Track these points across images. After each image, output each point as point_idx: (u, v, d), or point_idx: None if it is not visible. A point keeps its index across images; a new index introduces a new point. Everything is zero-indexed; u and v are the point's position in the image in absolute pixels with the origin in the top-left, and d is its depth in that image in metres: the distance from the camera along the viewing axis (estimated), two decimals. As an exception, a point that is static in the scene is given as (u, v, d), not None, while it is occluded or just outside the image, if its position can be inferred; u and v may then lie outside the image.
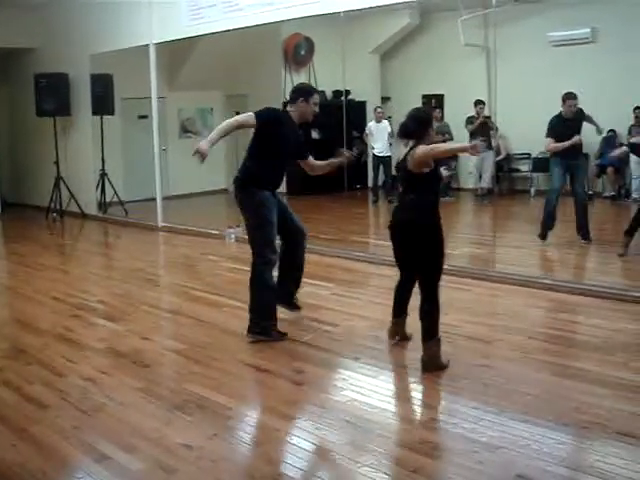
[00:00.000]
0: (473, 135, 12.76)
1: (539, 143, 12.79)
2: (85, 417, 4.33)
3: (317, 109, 5.77)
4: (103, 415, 4.37)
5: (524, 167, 13.67)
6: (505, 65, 12.25)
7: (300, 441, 3.87)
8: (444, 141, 13.35)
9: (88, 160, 13.35)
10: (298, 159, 5.95)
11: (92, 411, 4.41)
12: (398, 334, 5.40)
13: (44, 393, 4.72)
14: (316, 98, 5.78)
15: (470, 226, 12.03)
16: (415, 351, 5.17)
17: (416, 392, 4.55)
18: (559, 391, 4.52)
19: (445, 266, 7.42)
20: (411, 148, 4.90)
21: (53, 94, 13.07)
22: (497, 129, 12.65)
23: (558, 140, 8.77)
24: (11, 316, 7.06)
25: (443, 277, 7.09)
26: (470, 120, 12.71)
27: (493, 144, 12.91)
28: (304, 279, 6.12)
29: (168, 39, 11.38)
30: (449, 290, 7.10)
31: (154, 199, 12.00)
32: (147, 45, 11.57)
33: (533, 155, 13.35)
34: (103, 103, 12.97)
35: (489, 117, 12.25)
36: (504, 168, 13.59)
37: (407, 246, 5.05)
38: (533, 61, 12.45)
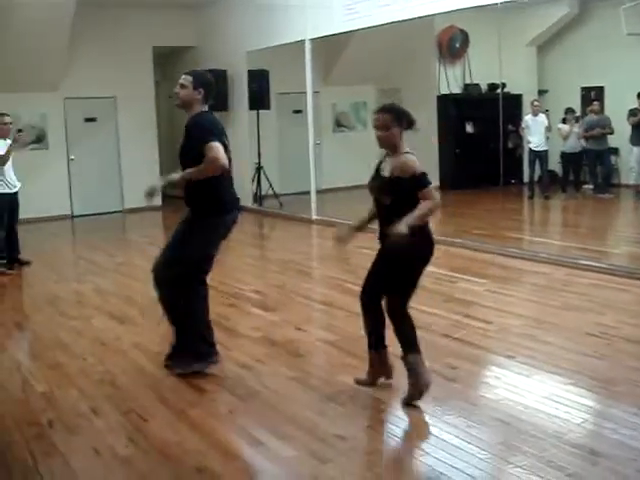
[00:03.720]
0: (635, 128, 12.25)
1: None
2: (240, 403, 4.48)
3: (176, 96, 4.95)
4: (257, 402, 4.50)
5: (691, 162, 12.96)
6: (673, 55, 11.68)
7: (451, 438, 3.84)
8: (603, 135, 12.92)
9: (245, 154, 13.72)
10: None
11: (247, 397, 4.55)
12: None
13: (201, 378, 4.91)
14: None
15: (631, 224, 11.52)
16: (573, 352, 5.05)
17: (571, 394, 4.41)
18: None
19: (602, 265, 7.22)
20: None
21: (212, 90, 13.51)
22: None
23: None
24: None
25: (601, 276, 6.89)
26: (633, 112, 12.17)
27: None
28: (457, 274, 6.05)
29: (323, 34, 11.52)
30: (607, 290, 6.88)
31: (308, 192, 12.18)
32: (302, 41, 11.76)
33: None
34: (259, 98, 13.29)
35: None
36: (668, 164, 12.94)
37: None
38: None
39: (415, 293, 4.37)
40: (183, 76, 4.98)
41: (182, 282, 4.91)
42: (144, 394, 4.68)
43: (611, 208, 12.70)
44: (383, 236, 4.37)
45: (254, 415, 4.29)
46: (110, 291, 7.74)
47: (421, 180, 4.13)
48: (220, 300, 7.09)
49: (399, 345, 4.41)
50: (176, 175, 4.93)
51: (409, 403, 4.29)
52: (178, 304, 4.94)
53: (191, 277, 4.97)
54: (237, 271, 8.70)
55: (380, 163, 4.40)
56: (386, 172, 4.27)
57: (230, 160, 4.82)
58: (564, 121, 13.31)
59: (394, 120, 4.22)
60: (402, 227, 3.94)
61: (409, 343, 4.37)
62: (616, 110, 12.75)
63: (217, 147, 4.67)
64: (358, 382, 4.64)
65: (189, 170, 4.79)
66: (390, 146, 4.28)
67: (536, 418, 4.09)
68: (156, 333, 6.12)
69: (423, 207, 4.09)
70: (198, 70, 5.47)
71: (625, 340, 5.37)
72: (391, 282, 4.36)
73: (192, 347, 5.00)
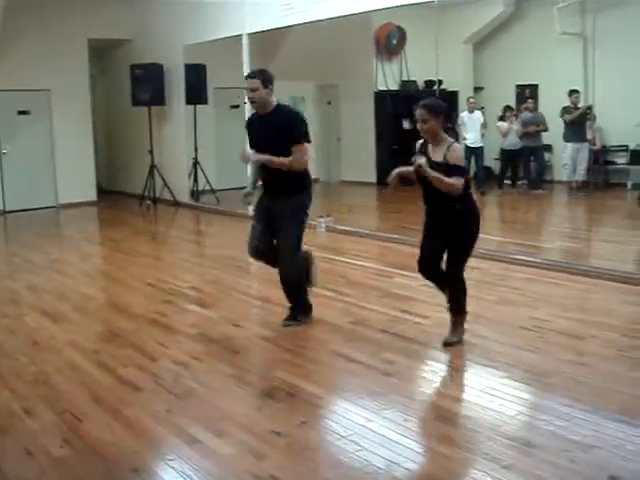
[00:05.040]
0: (568, 125, 12.49)
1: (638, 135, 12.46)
2: (177, 401, 4.42)
3: (249, 95, 5.43)
4: (194, 399, 4.46)
5: (621, 160, 13.29)
6: (603, 54, 11.94)
7: (389, 432, 3.86)
8: (538, 132, 13.13)
9: (181, 149, 13.61)
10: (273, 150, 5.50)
11: (184, 395, 4.50)
12: None
13: (137, 376, 4.85)
14: (247, 83, 5.44)
15: (564, 219, 11.75)
16: (508, 346, 5.12)
17: (507, 387, 4.47)
18: (656, 391, 4.38)
19: (537, 259, 7.37)
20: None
21: (148, 84, 13.34)
22: (595, 118, 12.39)
23: None
24: (106, 300, 7.26)
25: (536, 271, 7.02)
26: (566, 110, 12.41)
27: (589, 136, 12.62)
28: (394, 270, 6.09)
29: (261, 29, 11.48)
30: (541, 284, 7.00)
31: (245, 187, 12.07)
32: (240, 35, 11.70)
33: (631, 147, 12.98)
34: (196, 93, 13.18)
35: (590, 107, 12.02)
36: (599, 160, 13.25)
37: None
38: (633, 49, 12.06)
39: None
40: (248, 80, 5.40)
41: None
42: (79, 393, 4.59)
43: (544, 204, 12.93)
44: (434, 208, 5.21)
45: (191, 413, 4.24)
46: (44, 288, 7.58)
47: (460, 170, 4.95)
48: (156, 297, 7.03)
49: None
50: (263, 156, 5.57)
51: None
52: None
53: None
54: (174, 267, 8.62)
55: (422, 148, 5.12)
56: (439, 157, 4.98)
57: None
58: (502, 118, 13.50)
59: (429, 114, 4.94)
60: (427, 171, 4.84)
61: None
62: (550, 107, 13.00)
63: (307, 150, 5.49)
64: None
65: (280, 159, 5.43)
66: (431, 135, 5.02)
67: (472, 411, 4.14)
68: (90, 330, 6.04)
69: (449, 181, 4.86)
70: (258, 70, 5.66)
71: (558, 333, 5.46)
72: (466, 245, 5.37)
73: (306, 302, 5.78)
